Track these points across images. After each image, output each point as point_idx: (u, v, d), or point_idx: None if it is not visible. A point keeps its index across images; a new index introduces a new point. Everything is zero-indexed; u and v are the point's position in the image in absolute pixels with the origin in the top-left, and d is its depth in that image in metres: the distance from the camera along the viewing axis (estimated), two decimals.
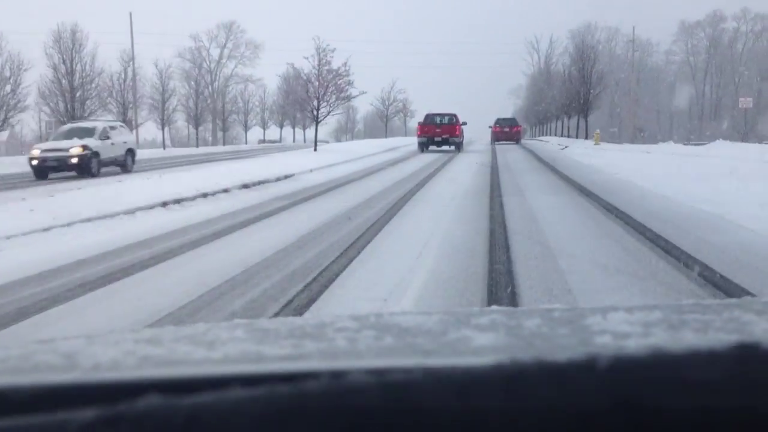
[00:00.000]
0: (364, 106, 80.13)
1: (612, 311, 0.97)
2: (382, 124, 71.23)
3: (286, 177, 16.42)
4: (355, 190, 14.02)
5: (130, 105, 44.23)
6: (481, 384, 0.48)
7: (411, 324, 1.00)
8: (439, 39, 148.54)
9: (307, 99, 29.52)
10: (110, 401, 0.49)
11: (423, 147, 30.92)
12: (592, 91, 44.26)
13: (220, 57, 76.96)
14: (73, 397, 0.65)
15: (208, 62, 74.84)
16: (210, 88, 71.69)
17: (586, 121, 44.46)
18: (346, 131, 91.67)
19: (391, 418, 0.46)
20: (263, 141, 74.97)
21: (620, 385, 0.47)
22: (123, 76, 44.58)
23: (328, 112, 30.13)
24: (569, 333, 0.90)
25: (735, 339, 0.49)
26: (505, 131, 42.01)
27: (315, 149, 28.50)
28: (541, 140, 51.07)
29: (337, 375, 0.50)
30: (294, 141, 74.21)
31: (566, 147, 33.20)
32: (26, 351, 0.94)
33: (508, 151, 32.07)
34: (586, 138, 41.58)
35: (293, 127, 75.71)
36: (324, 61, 29.02)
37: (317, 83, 29.12)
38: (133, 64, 45.26)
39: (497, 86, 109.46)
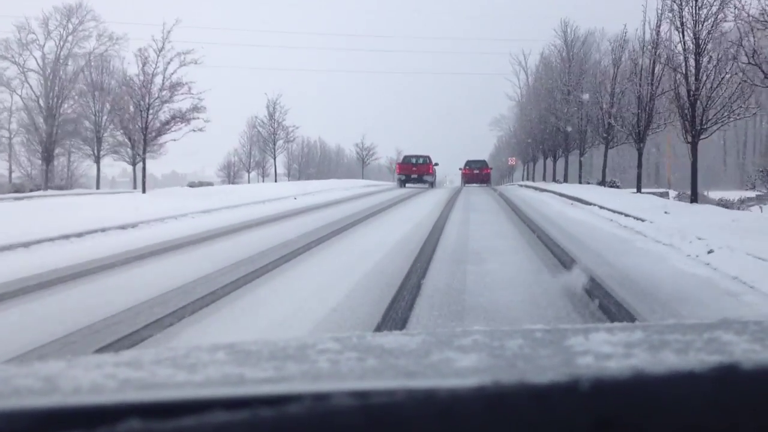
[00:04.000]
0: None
1: (593, 331, 0.98)
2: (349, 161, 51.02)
3: None
4: None
5: None
6: (464, 406, 0.48)
7: (393, 345, 1.00)
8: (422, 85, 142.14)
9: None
10: (90, 426, 0.49)
11: (402, 183, 35.71)
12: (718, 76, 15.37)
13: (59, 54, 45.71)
14: (53, 421, 0.64)
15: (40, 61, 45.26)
16: (41, 100, 43.87)
17: (695, 153, 16.42)
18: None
19: None
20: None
21: (602, 407, 0.47)
22: None
23: None
24: (551, 354, 0.90)
25: (715, 360, 0.49)
26: (475, 173, 42.89)
27: None
28: (563, 197, 20.34)
29: (319, 397, 0.50)
30: (136, 186, 37.53)
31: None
32: (5, 374, 0.93)
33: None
34: (704, 195, 17.68)
35: (134, 162, 39.40)
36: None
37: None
38: None
39: (477, 122, 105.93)
